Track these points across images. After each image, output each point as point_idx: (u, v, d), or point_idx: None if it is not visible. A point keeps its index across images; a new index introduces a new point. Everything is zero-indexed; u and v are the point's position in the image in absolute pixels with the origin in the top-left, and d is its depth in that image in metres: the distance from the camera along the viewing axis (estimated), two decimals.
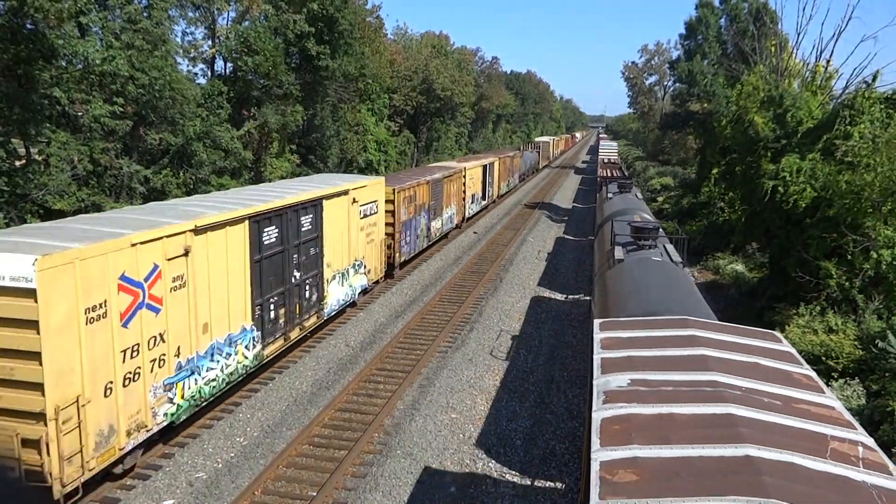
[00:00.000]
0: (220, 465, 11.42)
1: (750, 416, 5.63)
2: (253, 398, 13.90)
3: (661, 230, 16.98)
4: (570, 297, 23.76)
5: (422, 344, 17.39)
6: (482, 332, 18.64)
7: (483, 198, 39.32)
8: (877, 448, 5.43)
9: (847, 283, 16.69)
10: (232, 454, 11.81)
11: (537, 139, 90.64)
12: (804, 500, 4.50)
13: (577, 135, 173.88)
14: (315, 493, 10.42)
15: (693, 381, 6.36)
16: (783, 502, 4.43)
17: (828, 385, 9.25)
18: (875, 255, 16.13)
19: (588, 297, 21.86)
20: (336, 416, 13.23)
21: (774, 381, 6.54)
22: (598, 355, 7.31)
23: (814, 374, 6.95)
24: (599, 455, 5.21)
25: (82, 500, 9.79)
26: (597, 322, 8.68)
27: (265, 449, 11.96)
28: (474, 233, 34.78)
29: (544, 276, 26.55)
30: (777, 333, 8.28)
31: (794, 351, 7.68)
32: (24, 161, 17.22)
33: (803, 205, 19.07)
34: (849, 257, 16.96)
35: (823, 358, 14.25)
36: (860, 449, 5.32)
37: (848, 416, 6.00)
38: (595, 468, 5.05)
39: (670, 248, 16.11)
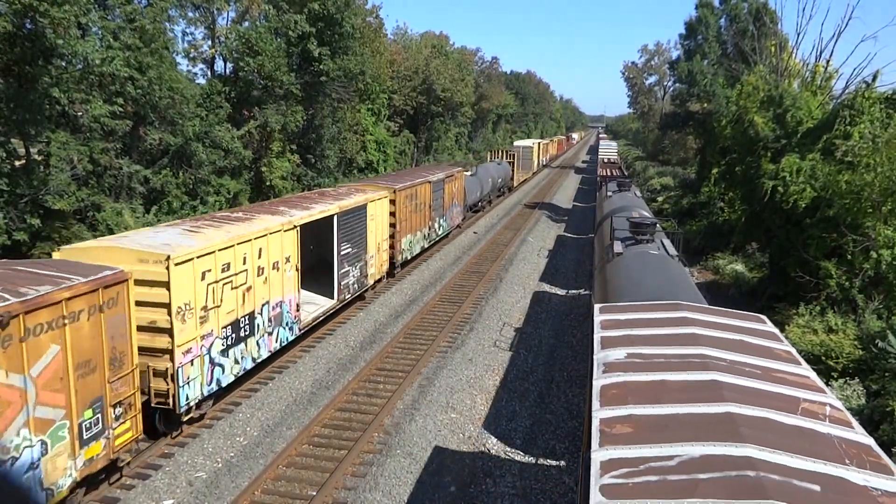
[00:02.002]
0: (220, 465, 11.42)
1: (733, 381, 6.35)
2: (253, 398, 13.90)
3: (658, 226, 17.56)
4: (571, 292, 24.01)
5: (422, 344, 17.38)
6: (482, 331, 18.64)
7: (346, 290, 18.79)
8: (842, 408, 6.17)
9: (847, 283, 16.70)
10: (232, 454, 11.81)
11: (516, 143, 67.39)
12: (775, 446, 5.15)
13: (574, 135, 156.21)
14: (315, 493, 10.42)
15: (683, 355, 7.03)
16: (756, 445, 5.10)
17: (827, 385, 9.51)
18: (875, 255, 16.13)
19: (588, 292, 22.05)
20: (336, 416, 13.23)
21: (757, 355, 7.20)
22: (598, 334, 7.94)
23: (793, 350, 7.59)
24: (599, 413, 5.90)
25: (84, 499, 9.83)
26: (597, 306, 9.37)
27: (265, 448, 11.96)
28: (474, 233, 34.76)
29: (545, 273, 26.68)
30: (763, 316, 8.86)
31: (777, 331, 8.28)
32: (23, 161, 17.21)
33: (803, 205, 19.08)
34: (849, 257, 16.96)
35: (823, 358, 14.25)
36: (828, 408, 6.09)
37: (820, 383, 6.74)
38: (595, 424, 5.71)
39: (667, 242, 16.72)
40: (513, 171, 52.07)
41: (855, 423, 5.89)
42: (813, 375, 6.92)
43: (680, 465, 4.97)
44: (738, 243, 27.31)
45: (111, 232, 18.34)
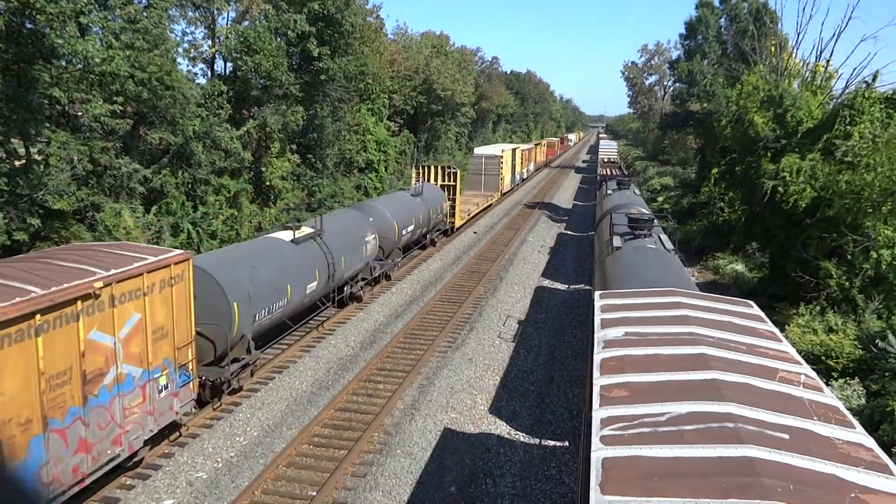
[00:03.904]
0: (220, 465, 11.41)
1: (718, 354, 7.09)
2: (253, 398, 13.89)
3: (655, 221, 18.39)
4: (572, 287, 24.43)
5: (421, 344, 17.38)
6: (482, 331, 18.63)
7: None
8: (816, 377, 6.90)
9: (847, 283, 16.69)
10: (232, 454, 11.81)
11: (477, 151, 47.05)
12: (752, 404, 5.88)
13: (571, 136, 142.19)
14: (315, 493, 10.42)
15: (675, 333, 7.81)
16: (736, 403, 5.84)
17: (827, 385, 9.77)
18: (875, 255, 16.13)
19: (589, 287, 22.35)
20: (336, 416, 13.23)
21: (742, 333, 7.94)
22: (599, 316, 8.67)
23: (776, 330, 8.34)
24: (599, 381, 6.64)
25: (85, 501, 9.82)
26: (597, 293, 10.22)
27: (265, 448, 11.96)
28: (474, 233, 34.75)
29: (546, 270, 26.94)
30: (750, 302, 9.59)
31: (762, 314, 8.97)
32: (23, 161, 17.19)
33: (803, 205, 19.09)
34: (849, 257, 16.96)
35: (823, 358, 14.24)
36: (803, 377, 6.82)
37: (797, 357, 7.43)
38: (596, 389, 6.46)
39: (664, 236, 17.36)
40: (453, 199, 31.88)
41: (825, 388, 6.63)
42: (792, 351, 7.58)
43: (669, 419, 5.70)
44: (738, 243, 27.30)
45: (109, 232, 18.32)
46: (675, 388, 6.26)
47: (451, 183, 32.32)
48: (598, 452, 5.27)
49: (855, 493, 4.73)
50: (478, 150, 46.85)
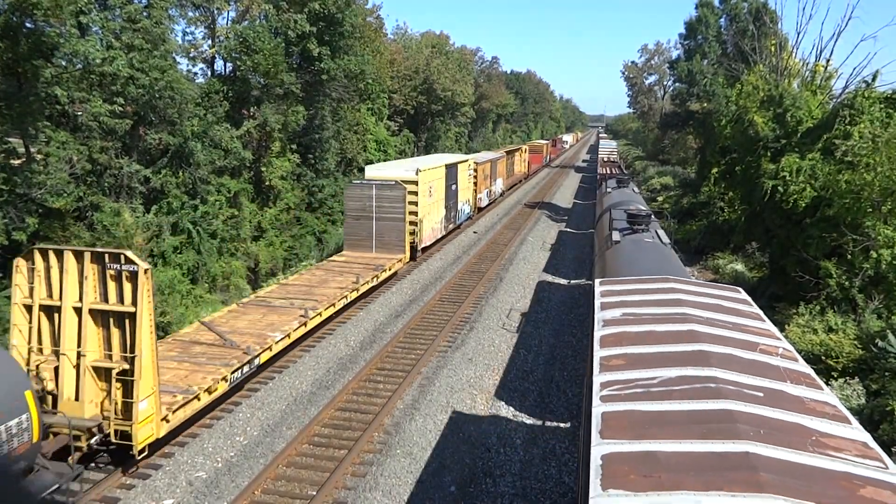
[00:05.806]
0: (220, 465, 11.41)
1: (706, 331, 7.91)
2: (253, 398, 13.89)
3: (652, 217, 19.15)
4: (573, 281, 25.02)
5: (422, 343, 17.37)
6: (482, 331, 18.63)
7: None
8: (793, 349, 7.72)
9: (847, 283, 16.69)
10: (232, 453, 11.80)
11: (368, 173, 24.96)
12: (733, 369, 6.75)
13: (566, 137, 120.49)
14: (315, 493, 10.42)
15: (668, 313, 8.62)
16: (719, 368, 6.72)
17: (827, 384, 10.02)
18: (875, 255, 16.14)
19: (589, 282, 22.64)
20: (336, 416, 13.23)
21: (729, 314, 8.76)
22: (599, 300, 9.42)
23: (760, 312, 9.16)
24: (599, 353, 7.47)
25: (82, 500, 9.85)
26: (597, 280, 11.04)
27: (265, 448, 11.95)
28: (474, 232, 34.75)
29: (546, 268, 27.19)
30: (739, 288, 10.39)
31: (748, 298, 9.79)
32: (22, 160, 17.19)
33: (803, 204, 19.10)
34: (849, 257, 16.96)
35: (823, 357, 14.24)
36: (781, 349, 7.66)
37: (777, 332, 8.26)
38: (596, 360, 7.29)
39: (660, 231, 17.94)
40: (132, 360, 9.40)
41: (800, 358, 7.45)
42: (774, 329, 8.38)
43: (660, 382, 6.58)
44: (738, 243, 27.32)
45: (108, 231, 18.34)
46: (666, 358, 7.10)
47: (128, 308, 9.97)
48: (598, 408, 6.16)
49: (816, 437, 5.58)
50: (369, 172, 25.40)
